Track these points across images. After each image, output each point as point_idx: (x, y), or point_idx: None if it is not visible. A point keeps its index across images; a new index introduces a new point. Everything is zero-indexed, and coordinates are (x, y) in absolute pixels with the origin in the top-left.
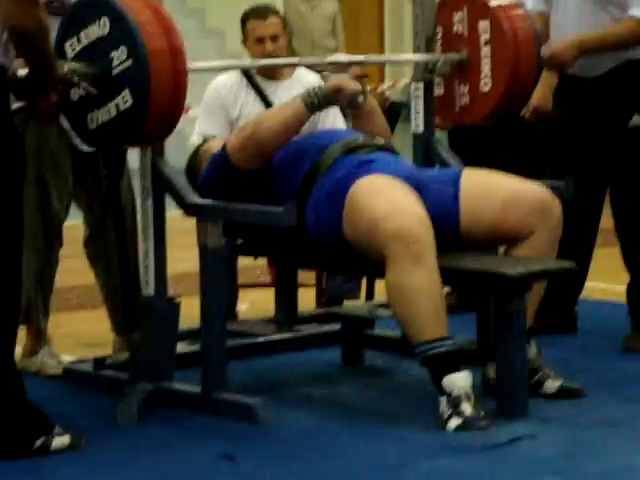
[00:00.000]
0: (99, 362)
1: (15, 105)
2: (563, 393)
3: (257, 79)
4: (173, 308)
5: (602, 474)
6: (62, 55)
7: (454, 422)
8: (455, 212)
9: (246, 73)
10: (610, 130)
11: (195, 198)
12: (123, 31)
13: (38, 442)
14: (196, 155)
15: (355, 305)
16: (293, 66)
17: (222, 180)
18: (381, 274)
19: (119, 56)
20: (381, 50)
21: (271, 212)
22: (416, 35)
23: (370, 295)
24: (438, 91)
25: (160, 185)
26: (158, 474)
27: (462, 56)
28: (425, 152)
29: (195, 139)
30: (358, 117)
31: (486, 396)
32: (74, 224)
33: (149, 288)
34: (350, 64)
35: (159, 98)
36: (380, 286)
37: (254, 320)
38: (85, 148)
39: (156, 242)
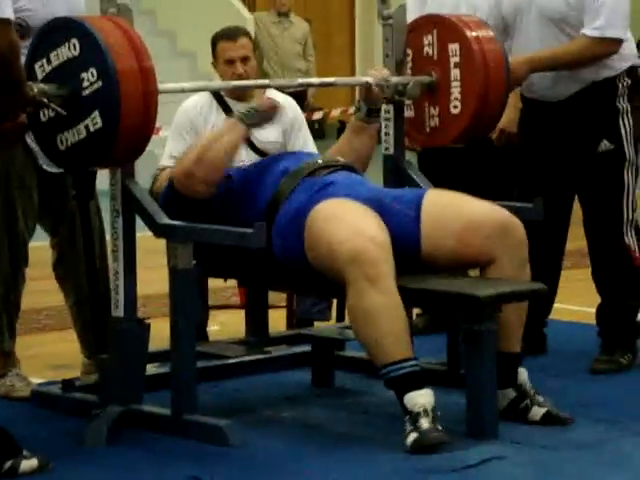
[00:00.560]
0: (68, 384)
1: None
2: (549, 420)
3: (227, 100)
4: (143, 329)
5: None
6: (32, 76)
7: (411, 437)
8: (416, 236)
9: (216, 94)
10: (579, 154)
11: (165, 219)
12: (93, 52)
13: (6, 465)
14: (154, 183)
15: (325, 327)
16: (264, 88)
17: (177, 212)
18: None
19: (89, 77)
20: (352, 72)
21: (241, 233)
22: (386, 57)
23: (340, 317)
24: (408, 113)
25: (130, 206)
26: None
27: (432, 78)
28: (395, 173)
29: (165, 161)
30: (358, 132)
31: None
32: (44, 245)
33: (119, 309)
34: (320, 86)
35: (129, 119)
36: None
37: (224, 341)
38: (51, 169)
39: (126, 263)
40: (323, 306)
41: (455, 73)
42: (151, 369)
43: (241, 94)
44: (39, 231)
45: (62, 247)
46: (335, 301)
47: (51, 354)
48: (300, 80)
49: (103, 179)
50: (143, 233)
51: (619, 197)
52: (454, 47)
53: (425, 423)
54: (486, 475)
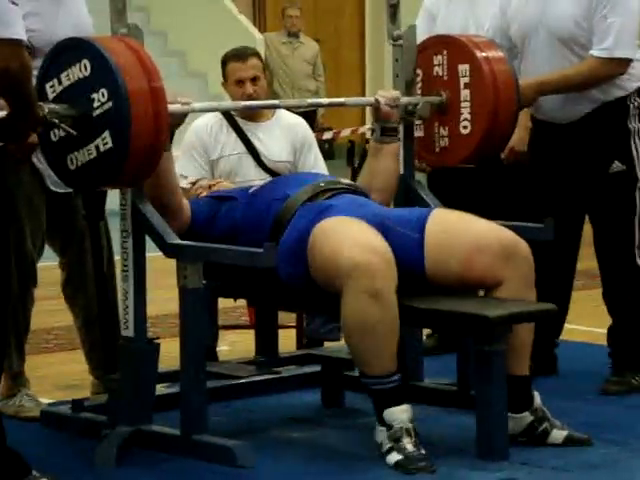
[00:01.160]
0: (77, 404)
1: None
2: (570, 443)
3: (238, 120)
4: (153, 349)
5: None
6: (42, 96)
7: (394, 457)
8: (420, 259)
9: (227, 114)
10: (590, 175)
11: (175, 239)
12: (104, 73)
13: None
14: None
15: (335, 347)
16: (273, 108)
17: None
18: None
19: (100, 98)
20: (362, 92)
21: (251, 253)
22: (396, 77)
23: None
24: (418, 133)
25: (140, 226)
26: None
27: (442, 99)
28: (405, 193)
29: None
30: (376, 154)
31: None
32: (53, 265)
33: (129, 329)
34: (330, 106)
35: (140, 140)
36: None
37: (234, 361)
38: (58, 189)
39: (136, 283)
40: (333, 326)
41: (465, 93)
42: (161, 389)
43: (251, 114)
44: (48, 251)
45: (71, 267)
46: None
47: (60, 374)
48: (310, 100)
49: (111, 199)
50: (153, 253)
51: (630, 218)
52: (464, 68)
53: (409, 445)
54: None
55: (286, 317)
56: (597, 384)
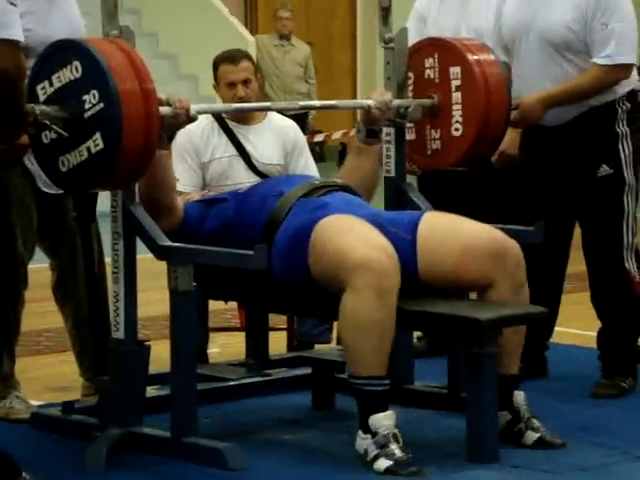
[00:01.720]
0: (68, 406)
1: None
2: (541, 445)
3: (229, 123)
4: (143, 351)
5: None
6: (33, 98)
7: (383, 463)
8: (413, 260)
9: (218, 117)
10: (578, 178)
11: (166, 241)
12: (95, 75)
13: None
14: None
15: (326, 349)
16: (265, 110)
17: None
18: None
19: (91, 99)
20: (353, 94)
21: (242, 255)
22: (388, 80)
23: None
24: (409, 136)
25: (131, 228)
26: None
27: (433, 101)
28: (396, 196)
29: None
30: (358, 153)
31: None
32: (44, 267)
33: (119, 331)
34: (322, 108)
35: (131, 141)
36: None
37: (225, 364)
38: (49, 190)
39: (127, 285)
40: (324, 328)
41: (456, 96)
42: (151, 391)
43: (243, 117)
44: (39, 253)
45: (62, 269)
46: (336, 323)
47: (51, 376)
48: (301, 103)
49: (102, 201)
50: (144, 255)
51: (619, 222)
52: (455, 70)
53: (397, 450)
54: None
55: (277, 319)
56: (587, 387)
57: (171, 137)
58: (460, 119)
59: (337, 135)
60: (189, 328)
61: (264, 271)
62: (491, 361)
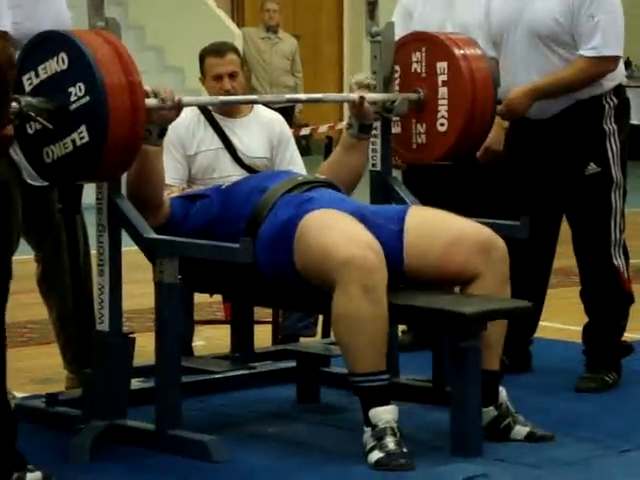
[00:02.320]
0: (52, 398)
1: None
2: (532, 439)
3: (215, 116)
4: (128, 344)
5: None
6: (19, 89)
7: (375, 455)
8: (399, 250)
9: (204, 110)
10: (566, 175)
11: (151, 234)
12: (81, 67)
13: (13, 477)
14: None
15: (311, 342)
16: (251, 103)
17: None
18: None
19: (77, 92)
20: (340, 88)
21: (228, 248)
22: (374, 74)
23: (326, 332)
24: (395, 129)
25: (117, 220)
26: None
27: (419, 95)
28: (382, 190)
29: None
30: (349, 148)
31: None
32: (28, 259)
33: (104, 324)
34: (308, 102)
35: (116, 134)
36: None
37: (209, 357)
38: (35, 183)
39: (112, 278)
40: (309, 322)
41: (443, 91)
42: (136, 384)
43: (229, 110)
44: (23, 244)
45: (46, 261)
46: (321, 317)
47: (35, 368)
48: (288, 96)
49: (87, 193)
50: (129, 248)
51: (607, 219)
52: (442, 65)
53: (391, 443)
54: None
55: (262, 312)
56: (571, 381)
57: (162, 133)
58: (446, 114)
59: (323, 129)
60: (174, 321)
61: (249, 265)
62: (475, 355)
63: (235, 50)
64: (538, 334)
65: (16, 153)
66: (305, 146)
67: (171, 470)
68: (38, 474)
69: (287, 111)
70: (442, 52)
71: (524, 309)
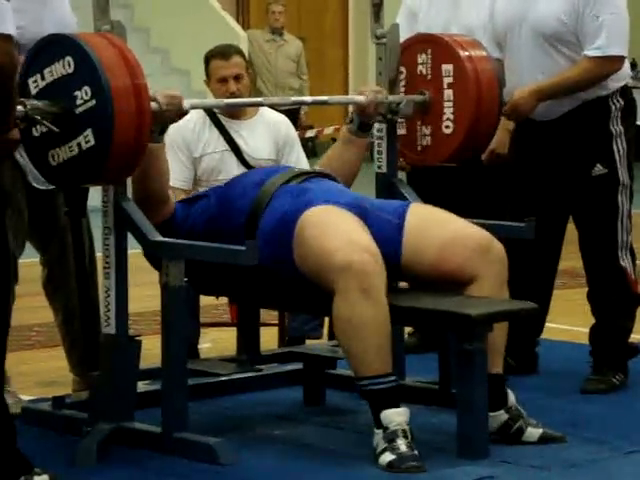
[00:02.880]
0: (58, 401)
1: None
2: (545, 441)
3: (221, 118)
4: (134, 346)
5: None
6: (25, 92)
7: (387, 457)
8: (398, 243)
9: (210, 112)
10: (572, 176)
11: (157, 236)
12: (87, 71)
13: None
14: None
15: (317, 345)
16: (257, 106)
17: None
18: None
19: (83, 95)
20: (345, 89)
21: (234, 250)
22: (380, 76)
23: (332, 335)
24: (400, 131)
25: (123, 223)
26: None
27: (425, 97)
28: (388, 191)
29: None
30: (346, 143)
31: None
32: (33, 262)
33: (110, 326)
34: (313, 104)
35: (122, 138)
36: None
37: (216, 359)
38: (39, 186)
39: (118, 280)
40: (315, 324)
41: (448, 93)
42: (142, 386)
43: (234, 112)
44: (29, 248)
45: (52, 264)
46: (327, 319)
47: (41, 371)
48: (293, 98)
49: (93, 196)
50: (135, 250)
51: (613, 220)
52: (448, 68)
53: (403, 445)
54: None
55: (268, 315)
56: (577, 383)
57: (163, 130)
58: (451, 116)
59: (329, 130)
60: (180, 323)
61: (255, 267)
62: (481, 357)
63: (240, 53)
64: (544, 335)
65: (22, 156)
66: (311, 148)
67: (177, 473)
68: (45, 477)
69: (292, 113)
70: (447, 54)
71: (529, 311)
